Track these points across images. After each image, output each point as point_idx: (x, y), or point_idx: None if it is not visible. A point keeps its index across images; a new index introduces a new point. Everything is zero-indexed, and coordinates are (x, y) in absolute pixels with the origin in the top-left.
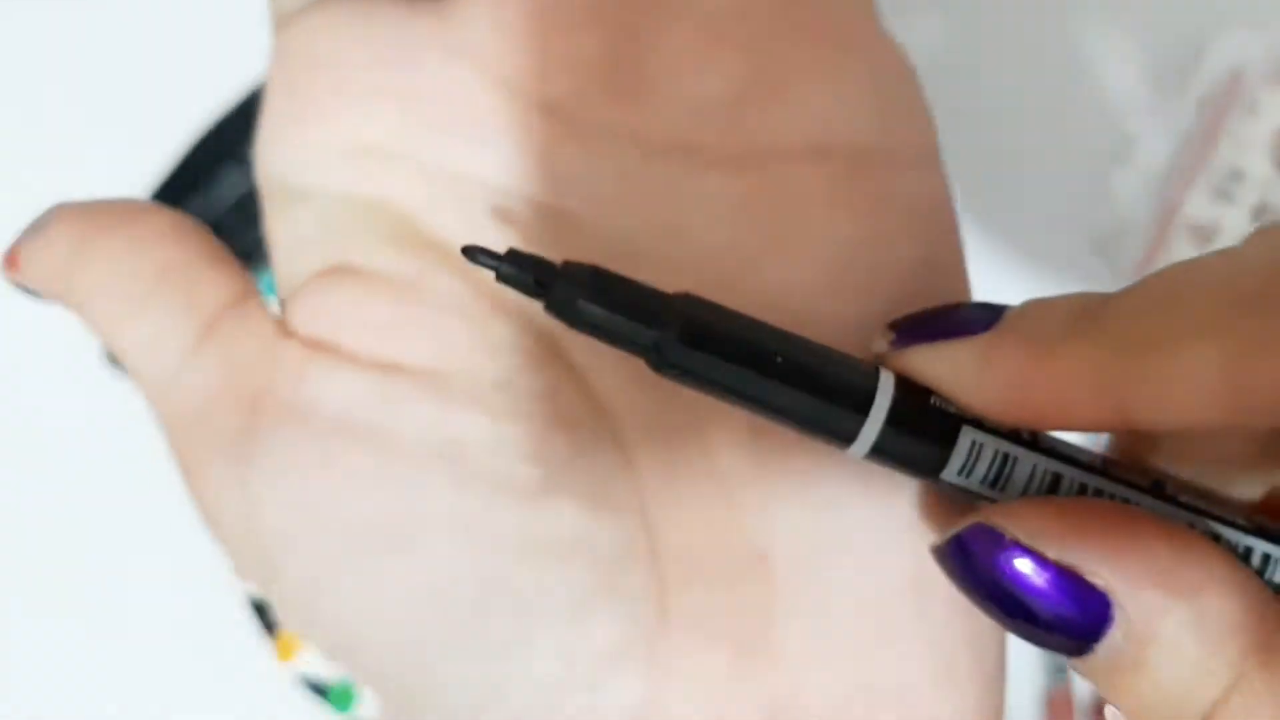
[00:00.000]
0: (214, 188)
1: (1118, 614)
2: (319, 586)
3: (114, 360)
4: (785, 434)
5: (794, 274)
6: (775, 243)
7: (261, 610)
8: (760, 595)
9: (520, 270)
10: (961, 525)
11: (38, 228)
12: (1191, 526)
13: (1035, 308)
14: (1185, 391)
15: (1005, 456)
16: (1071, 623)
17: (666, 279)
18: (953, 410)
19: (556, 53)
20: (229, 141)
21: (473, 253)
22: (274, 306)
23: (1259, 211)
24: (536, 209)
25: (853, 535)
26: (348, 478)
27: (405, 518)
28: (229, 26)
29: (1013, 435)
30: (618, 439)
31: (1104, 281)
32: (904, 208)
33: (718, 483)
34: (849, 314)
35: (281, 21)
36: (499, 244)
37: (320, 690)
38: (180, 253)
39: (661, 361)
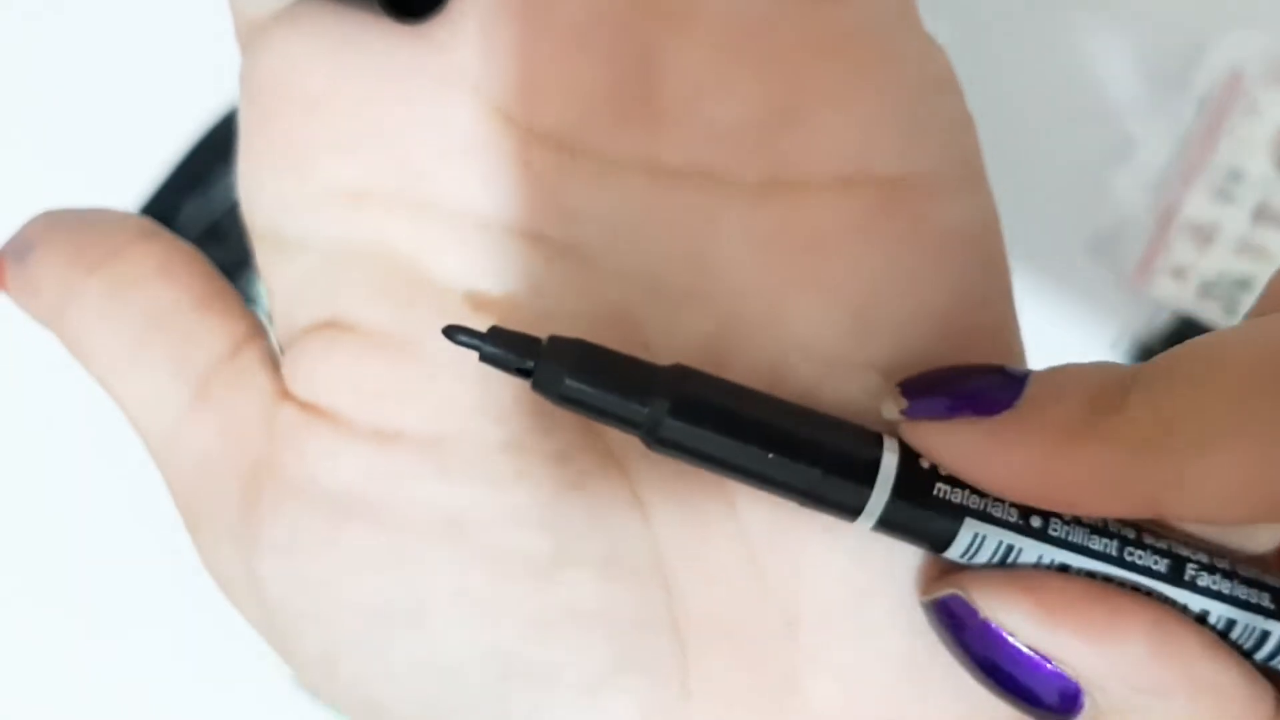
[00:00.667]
0: (212, 189)
1: (1087, 702)
2: (333, 660)
3: None
4: None
5: (824, 313)
6: (803, 279)
7: None
8: (786, 656)
9: (504, 349)
10: (943, 590)
11: (20, 250)
12: (1205, 616)
13: (1056, 389)
14: (1216, 493)
15: (1010, 548)
16: (1042, 701)
17: (689, 317)
18: (956, 500)
19: (557, 77)
20: (227, 143)
21: (453, 333)
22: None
23: (1259, 211)
24: (545, 247)
25: (881, 587)
26: (352, 557)
27: (412, 596)
28: (228, 27)
29: (1020, 524)
30: (635, 498)
31: (1104, 281)
32: (942, 239)
33: (741, 541)
34: (882, 356)
35: (249, 36)
36: (503, 288)
37: None
38: (170, 295)
39: (654, 438)
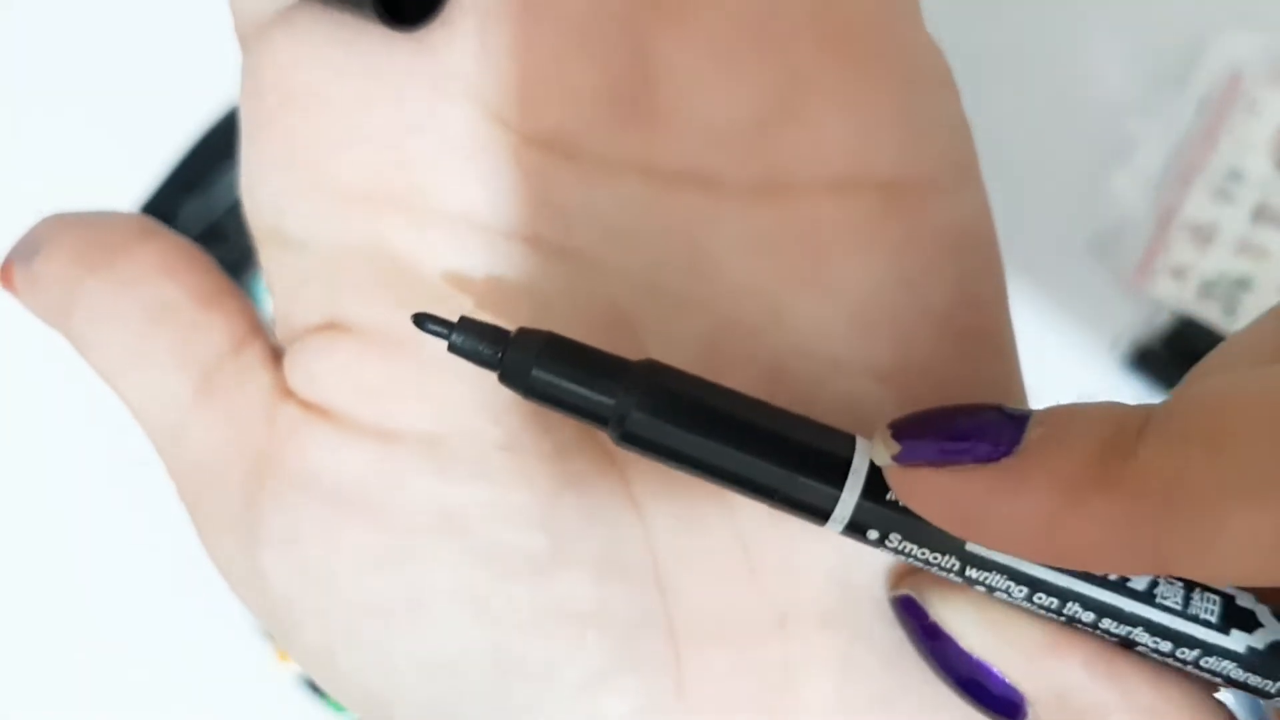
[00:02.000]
0: (212, 189)
1: (1029, 710)
2: (333, 653)
3: None
4: None
5: (823, 317)
6: (802, 282)
7: None
8: (779, 653)
9: (474, 339)
10: (903, 588)
11: (27, 253)
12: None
13: (1060, 433)
14: (1235, 555)
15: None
16: (989, 703)
17: (686, 320)
18: (905, 551)
19: (552, 80)
20: (227, 143)
21: (422, 321)
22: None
23: (1259, 211)
24: (542, 250)
25: (870, 584)
26: (351, 552)
27: (411, 592)
28: (228, 27)
29: (963, 582)
30: (630, 497)
31: (1104, 281)
32: (940, 241)
33: (734, 540)
34: (883, 360)
35: (249, 36)
36: (500, 290)
37: (320, 691)
38: (173, 292)
39: (621, 433)
